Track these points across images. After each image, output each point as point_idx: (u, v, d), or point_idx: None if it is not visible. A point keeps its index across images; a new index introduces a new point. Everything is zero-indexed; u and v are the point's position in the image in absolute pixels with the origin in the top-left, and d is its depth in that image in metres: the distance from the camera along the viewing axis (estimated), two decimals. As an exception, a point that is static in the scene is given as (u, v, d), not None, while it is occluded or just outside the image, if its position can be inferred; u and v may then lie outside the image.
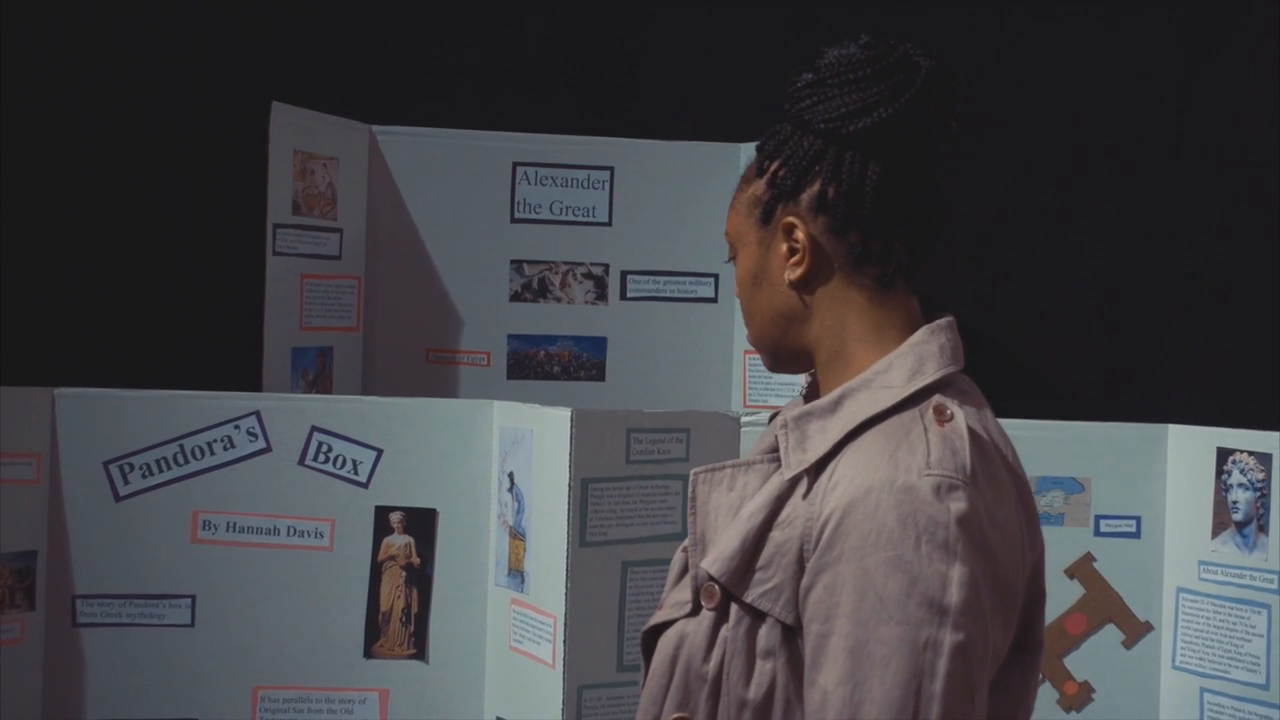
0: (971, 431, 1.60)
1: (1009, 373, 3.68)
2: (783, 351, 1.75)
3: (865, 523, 1.52)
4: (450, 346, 3.56)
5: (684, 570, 1.78)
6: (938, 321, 1.70)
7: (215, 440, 2.91)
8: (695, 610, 1.66)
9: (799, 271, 1.68)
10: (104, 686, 2.90)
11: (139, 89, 3.59)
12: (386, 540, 2.94)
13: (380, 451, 2.93)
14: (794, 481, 1.62)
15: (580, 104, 3.77)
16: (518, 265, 3.58)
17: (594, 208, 3.60)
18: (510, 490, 2.87)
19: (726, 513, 1.69)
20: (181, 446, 2.90)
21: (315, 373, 3.37)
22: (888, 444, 1.57)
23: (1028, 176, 3.73)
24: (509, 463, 2.88)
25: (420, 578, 2.94)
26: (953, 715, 1.50)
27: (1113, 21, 3.68)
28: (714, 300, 3.52)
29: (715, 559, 1.63)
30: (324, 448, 2.92)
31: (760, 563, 1.60)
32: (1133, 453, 3.00)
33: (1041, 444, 2.95)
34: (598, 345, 3.61)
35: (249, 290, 3.24)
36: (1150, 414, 3.18)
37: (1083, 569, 2.98)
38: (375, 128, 3.51)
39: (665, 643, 1.67)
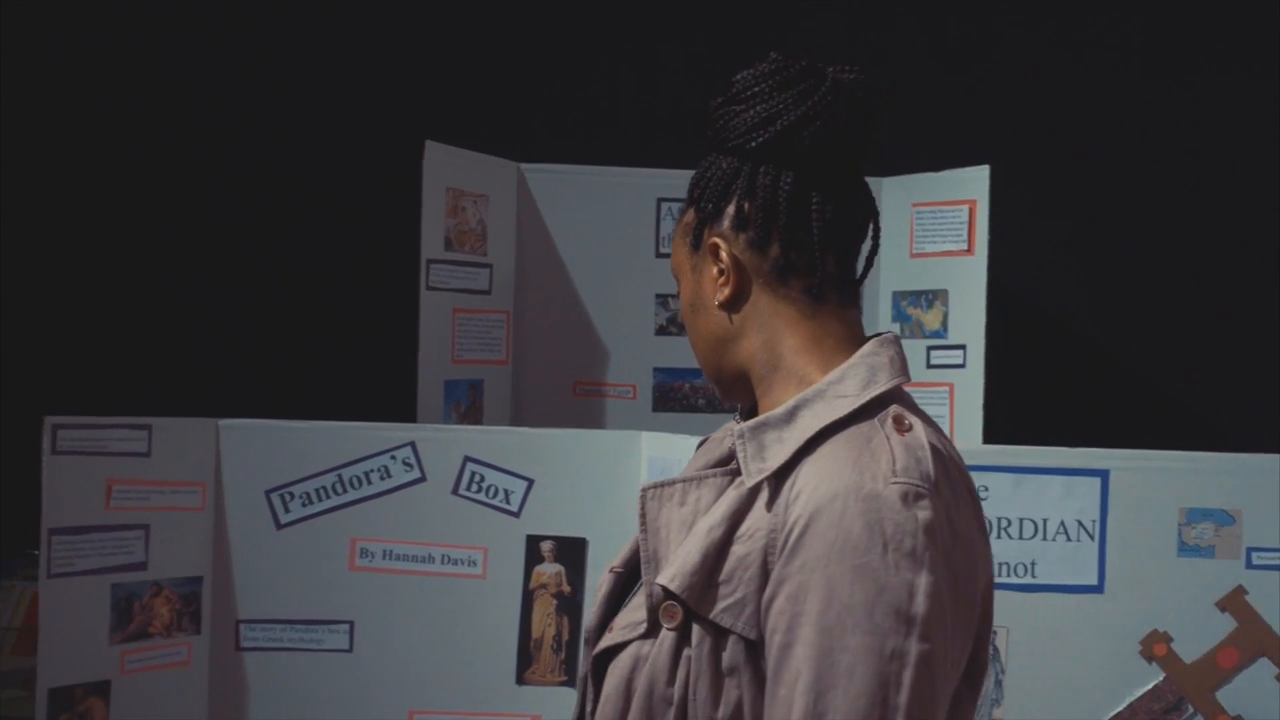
0: (930, 443, 1.58)
1: (1159, 404, 3.65)
2: (724, 376, 1.72)
3: (830, 530, 1.49)
4: (597, 379, 3.61)
5: (614, 591, 1.75)
6: (883, 336, 1.68)
7: (372, 470, 2.98)
8: (651, 631, 1.59)
9: (726, 291, 1.66)
10: (266, 708, 2.98)
11: (299, 131, 3.71)
12: (538, 568, 2.98)
13: (531, 481, 2.98)
14: (753, 493, 1.58)
15: (723, 140, 3.80)
16: (663, 299, 3.63)
17: (737, 242, 3.62)
18: (659, 520, 2.90)
19: (679, 528, 1.63)
20: (340, 476, 2.98)
21: (467, 404, 3.44)
22: (849, 452, 1.54)
23: (1178, 208, 3.71)
24: (657, 493, 2.91)
25: (571, 605, 2.98)
26: None
27: None
28: (858, 333, 3.53)
29: (675, 574, 1.57)
30: (476, 477, 2.98)
31: (722, 577, 1.55)
32: (1285, 484, 2.96)
33: (1191, 476, 2.92)
34: (742, 378, 3.63)
35: (403, 324, 3.32)
36: (1302, 445, 3.14)
37: (1235, 602, 2.94)
38: (524, 165, 3.58)
39: (619, 666, 1.61)
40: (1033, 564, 2.84)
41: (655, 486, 1.67)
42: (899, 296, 3.44)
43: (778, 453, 1.58)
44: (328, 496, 2.98)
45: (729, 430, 1.82)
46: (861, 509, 1.49)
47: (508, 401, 3.57)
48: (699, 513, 1.63)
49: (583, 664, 1.78)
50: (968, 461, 2.80)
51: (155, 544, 2.90)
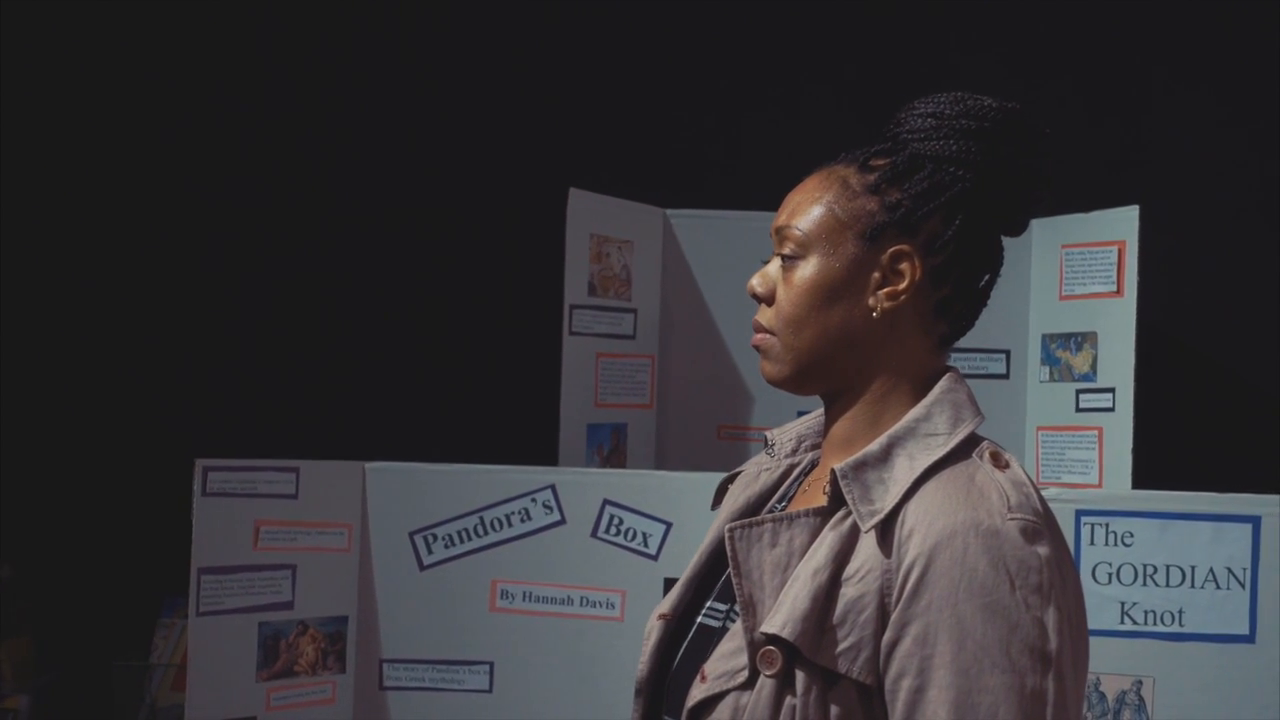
0: (1030, 478, 1.58)
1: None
2: (820, 373, 1.66)
3: (954, 569, 1.48)
4: (740, 423, 3.61)
5: (665, 639, 1.74)
6: (953, 370, 1.68)
7: (513, 513, 3.01)
8: (752, 679, 1.54)
9: (892, 304, 1.63)
10: (408, 748, 3.02)
11: (444, 178, 3.78)
12: (675, 612, 2.98)
13: (670, 525, 2.98)
14: (855, 532, 1.55)
15: (869, 183, 3.78)
16: (808, 343, 3.60)
17: (883, 285, 3.60)
18: (796, 564, 2.88)
19: (773, 570, 1.58)
20: (481, 518, 3.02)
21: (610, 448, 3.46)
22: (957, 490, 1.53)
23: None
24: (795, 537, 2.89)
25: (708, 649, 2.97)
26: None
27: None
28: (1005, 377, 3.48)
29: (786, 621, 1.52)
30: (615, 520, 3.00)
31: (834, 620, 1.52)
32: None
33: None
34: (888, 422, 3.60)
35: (546, 369, 3.35)
36: None
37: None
38: (668, 211, 3.59)
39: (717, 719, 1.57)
40: (1180, 612, 2.77)
41: (743, 526, 1.61)
42: (1048, 339, 3.39)
43: (883, 494, 1.56)
44: (469, 539, 3.02)
45: (760, 464, 1.84)
46: (984, 545, 1.49)
47: (651, 445, 3.58)
48: (793, 554, 1.58)
49: (634, 715, 1.76)
50: (1115, 507, 2.78)
51: (302, 584, 2.97)
